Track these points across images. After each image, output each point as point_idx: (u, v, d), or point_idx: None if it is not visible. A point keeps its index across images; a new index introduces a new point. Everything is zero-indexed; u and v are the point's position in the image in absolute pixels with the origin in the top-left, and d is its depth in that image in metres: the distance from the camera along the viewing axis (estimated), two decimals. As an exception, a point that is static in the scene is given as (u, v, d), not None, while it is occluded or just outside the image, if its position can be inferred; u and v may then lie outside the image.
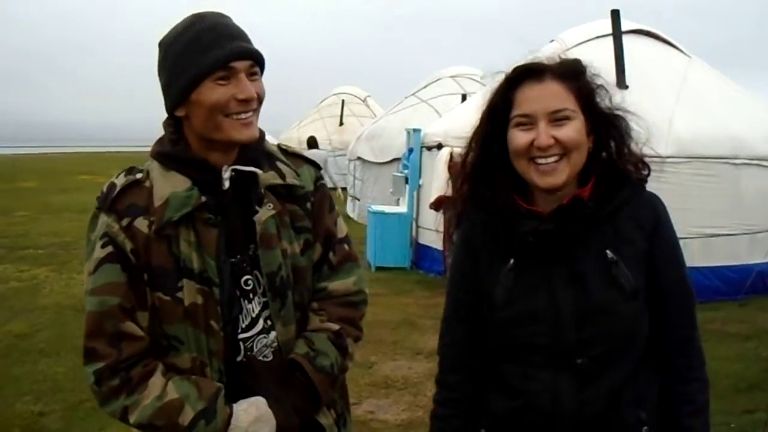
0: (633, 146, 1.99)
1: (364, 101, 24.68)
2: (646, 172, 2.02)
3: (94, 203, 2.12)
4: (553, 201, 1.95)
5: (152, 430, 1.99)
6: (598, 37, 10.43)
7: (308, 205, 2.22)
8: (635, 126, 2.00)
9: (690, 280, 2.03)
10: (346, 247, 2.32)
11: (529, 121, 1.90)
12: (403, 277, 10.92)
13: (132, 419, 1.97)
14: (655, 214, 1.99)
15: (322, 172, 2.36)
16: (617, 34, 9.93)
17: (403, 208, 12.37)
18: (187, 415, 1.96)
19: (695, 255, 8.66)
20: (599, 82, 1.98)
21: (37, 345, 7.78)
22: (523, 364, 1.99)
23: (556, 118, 1.88)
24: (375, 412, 5.85)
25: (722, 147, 9.33)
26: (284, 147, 2.29)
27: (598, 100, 1.95)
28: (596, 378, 1.92)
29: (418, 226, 12.04)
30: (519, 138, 1.91)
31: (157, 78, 2.08)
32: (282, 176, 2.15)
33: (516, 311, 1.98)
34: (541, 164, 1.89)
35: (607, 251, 1.93)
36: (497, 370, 2.06)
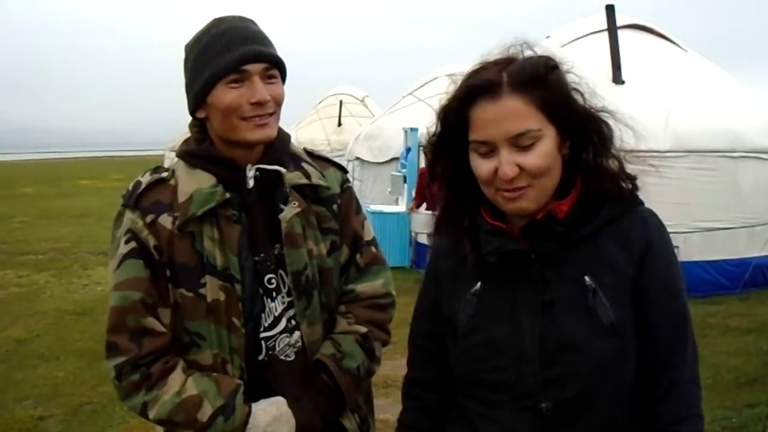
0: (615, 150, 1.70)
1: (362, 101, 24.61)
2: (629, 182, 1.72)
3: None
4: (529, 215, 1.69)
5: (172, 426, 2.01)
6: (593, 33, 10.42)
7: (335, 206, 2.20)
8: (624, 126, 1.71)
9: (687, 312, 1.71)
10: (373, 249, 2.30)
11: (488, 149, 1.61)
12: (402, 276, 10.85)
13: (151, 415, 1.98)
14: (647, 236, 1.67)
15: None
16: (612, 29, 9.92)
17: (401, 208, 12.33)
18: (205, 411, 1.96)
19: (694, 249, 8.66)
20: (573, 80, 1.66)
21: (37, 350, 7.80)
22: (483, 403, 1.75)
23: (519, 144, 1.58)
24: (375, 411, 5.78)
25: (720, 140, 9.33)
26: (310, 150, 2.29)
27: (571, 103, 1.64)
28: (564, 427, 1.66)
29: (417, 225, 12.04)
30: (481, 167, 1.64)
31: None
32: (307, 176, 2.14)
33: (476, 341, 1.74)
34: (507, 192, 1.62)
35: (586, 277, 1.64)
36: (460, 405, 1.84)
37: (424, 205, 10.27)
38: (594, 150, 1.68)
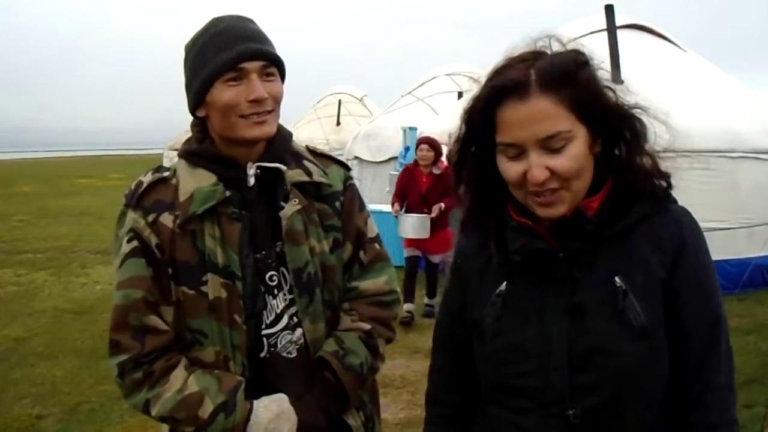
0: (648, 150, 1.64)
1: (360, 100, 24.62)
2: (663, 181, 1.66)
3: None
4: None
5: (173, 423, 2.02)
6: (592, 33, 10.40)
7: (337, 204, 2.21)
8: (655, 124, 1.65)
9: (722, 313, 1.64)
10: (377, 246, 2.30)
11: (517, 151, 1.56)
12: (401, 275, 10.87)
13: (153, 412, 1.99)
14: (681, 235, 1.61)
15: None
16: (612, 29, 9.91)
17: (400, 207, 12.31)
18: (206, 408, 1.97)
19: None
20: (603, 75, 1.61)
21: (35, 348, 7.79)
22: (509, 409, 1.70)
23: (550, 146, 1.53)
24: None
25: (719, 141, 9.33)
26: (312, 148, 2.29)
27: (603, 100, 1.58)
28: None
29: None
30: (509, 170, 1.58)
31: None
32: (309, 174, 2.14)
33: (502, 345, 1.69)
34: (539, 198, 1.57)
35: (616, 278, 1.58)
36: (485, 411, 1.80)
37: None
38: (627, 147, 1.62)
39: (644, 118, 1.64)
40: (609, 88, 1.59)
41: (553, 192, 1.56)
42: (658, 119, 1.65)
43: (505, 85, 1.54)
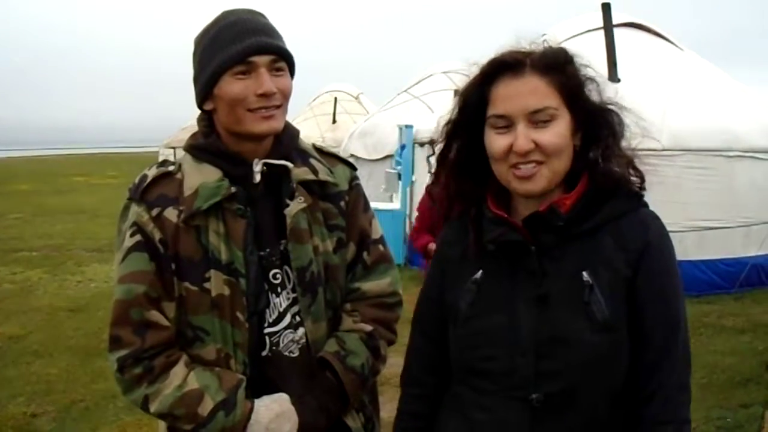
0: (624, 147, 1.74)
1: (356, 98, 24.61)
2: (638, 180, 1.75)
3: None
4: (533, 206, 1.73)
5: (172, 420, 2.00)
6: (589, 31, 10.40)
7: (342, 203, 2.20)
8: (630, 123, 1.76)
9: (680, 319, 1.71)
10: (381, 247, 2.29)
11: (506, 123, 1.68)
12: (402, 274, 10.81)
13: (152, 408, 1.97)
14: (645, 237, 1.69)
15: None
16: (608, 27, 9.91)
17: (396, 205, 12.33)
18: (206, 406, 1.95)
19: (690, 248, 8.65)
20: (588, 73, 1.74)
21: (30, 346, 7.77)
22: (476, 390, 1.79)
23: (537, 120, 1.65)
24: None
25: (716, 139, 9.32)
26: (319, 146, 2.28)
27: (586, 93, 1.71)
28: (552, 419, 1.68)
29: (411, 223, 12.00)
30: (496, 142, 1.69)
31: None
32: (315, 172, 2.13)
33: (473, 329, 1.78)
34: (520, 169, 1.67)
35: (584, 273, 1.67)
36: (455, 392, 1.88)
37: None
38: (604, 145, 1.73)
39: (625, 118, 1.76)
40: (593, 82, 1.74)
41: (534, 165, 1.67)
42: (631, 116, 1.77)
43: (504, 60, 1.71)
